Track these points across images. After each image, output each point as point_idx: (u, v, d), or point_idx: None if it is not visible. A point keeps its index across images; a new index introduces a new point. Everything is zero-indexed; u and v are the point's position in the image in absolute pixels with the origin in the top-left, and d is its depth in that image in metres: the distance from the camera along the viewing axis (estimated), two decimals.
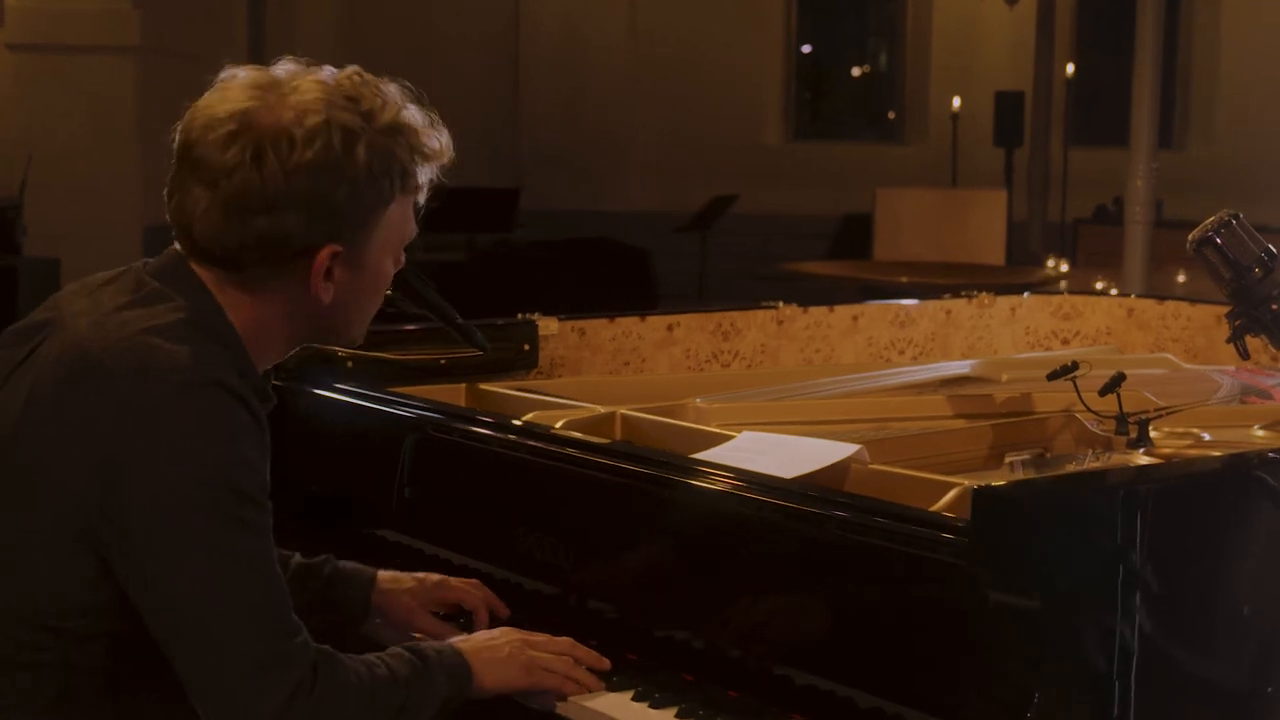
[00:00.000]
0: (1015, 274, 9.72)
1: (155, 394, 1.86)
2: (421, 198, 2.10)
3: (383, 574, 2.44)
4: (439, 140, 2.08)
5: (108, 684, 1.97)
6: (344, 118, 1.97)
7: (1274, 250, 2.48)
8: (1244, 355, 2.56)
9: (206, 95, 2.00)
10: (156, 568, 1.87)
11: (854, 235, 12.29)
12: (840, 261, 10.75)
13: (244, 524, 1.89)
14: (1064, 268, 10.36)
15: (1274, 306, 2.40)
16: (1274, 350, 2.46)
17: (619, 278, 10.60)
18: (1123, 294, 4.54)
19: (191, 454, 1.85)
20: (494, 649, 2.16)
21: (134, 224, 10.48)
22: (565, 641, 2.23)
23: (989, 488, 1.78)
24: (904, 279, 8.83)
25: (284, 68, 2.02)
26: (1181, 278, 8.91)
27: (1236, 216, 2.48)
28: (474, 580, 2.47)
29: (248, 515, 1.89)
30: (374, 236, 2.03)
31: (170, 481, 1.85)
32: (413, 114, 2.05)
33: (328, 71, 2.02)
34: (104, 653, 1.95)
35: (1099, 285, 7.58)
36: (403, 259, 2.14)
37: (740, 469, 2.27)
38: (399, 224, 2.08)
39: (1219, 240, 2.46)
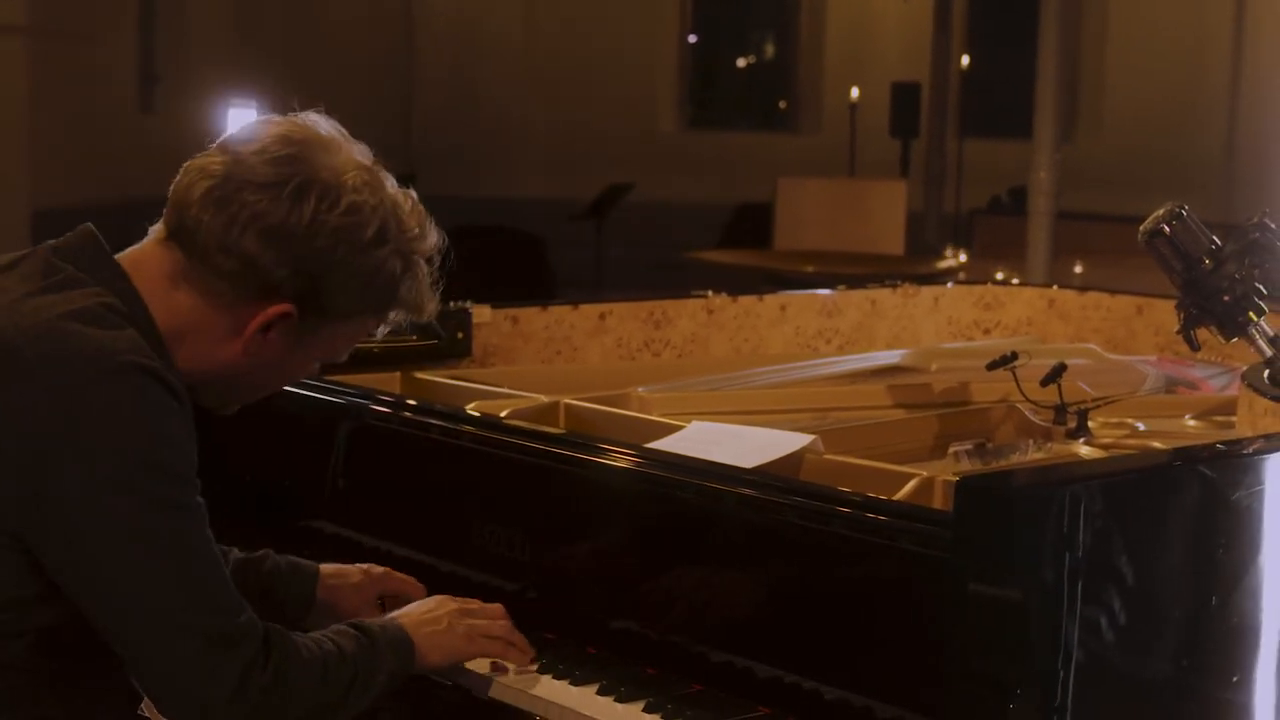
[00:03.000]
0: (914, 264, 9.80)
1: (76, 379, 1.81)
2: (375, 332, 2.08)
3: (326, 568, 2.39)
4: (430, 300, 2.07)
5: (35, 681, 1.91)
6: (389, 220, 1.97)
7: (1221, 242, 2.49)
8: (1194, 347, 2.58)
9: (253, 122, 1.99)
10: (91, 555, 1.82)
11: (750, 224, 12.31)
12: (741, 250, 10.77)
13: (176, 504, 1.85)
14: (962, 258, 10.46)
15: (1225, 298, 2.42)
16: (1222, 341, 2.47)
17: (513, 266, 10.52)
18: (1025, 284, 4.58)
19: (117, 437, 1.81)
20: (433, 621, 2.16)
21: (22, 207, 10.22)
22: (497, 608, 2.23)
23: (972, 479, 1.77)
24: (809, 268, 8.86)
25: (328, 127, 2.00)
26: (1079, 268, 9.03)
27: (1185, 208, 2.50)
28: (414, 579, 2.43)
29: (179, 495, 1.86)
30: (320, 332, 2.00)
31: (97, 466, 1.80)
32: (427, 267, 2.05)
33: (391, 180, 2.03)
34: (31, 649, 1.89)
35: (999, 275, 7.63)
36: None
37: (700, 459, 2.25)
38: (343, 340, 2.06)
39: (1169, 231, 2.48)
